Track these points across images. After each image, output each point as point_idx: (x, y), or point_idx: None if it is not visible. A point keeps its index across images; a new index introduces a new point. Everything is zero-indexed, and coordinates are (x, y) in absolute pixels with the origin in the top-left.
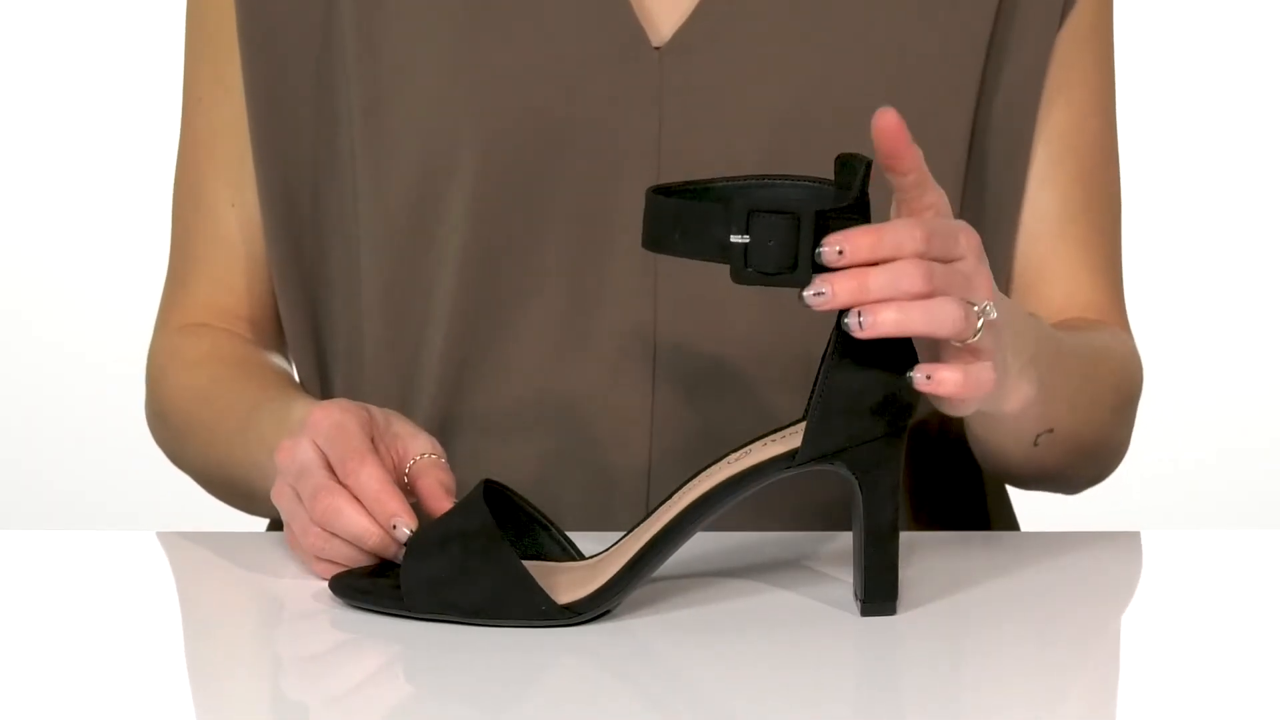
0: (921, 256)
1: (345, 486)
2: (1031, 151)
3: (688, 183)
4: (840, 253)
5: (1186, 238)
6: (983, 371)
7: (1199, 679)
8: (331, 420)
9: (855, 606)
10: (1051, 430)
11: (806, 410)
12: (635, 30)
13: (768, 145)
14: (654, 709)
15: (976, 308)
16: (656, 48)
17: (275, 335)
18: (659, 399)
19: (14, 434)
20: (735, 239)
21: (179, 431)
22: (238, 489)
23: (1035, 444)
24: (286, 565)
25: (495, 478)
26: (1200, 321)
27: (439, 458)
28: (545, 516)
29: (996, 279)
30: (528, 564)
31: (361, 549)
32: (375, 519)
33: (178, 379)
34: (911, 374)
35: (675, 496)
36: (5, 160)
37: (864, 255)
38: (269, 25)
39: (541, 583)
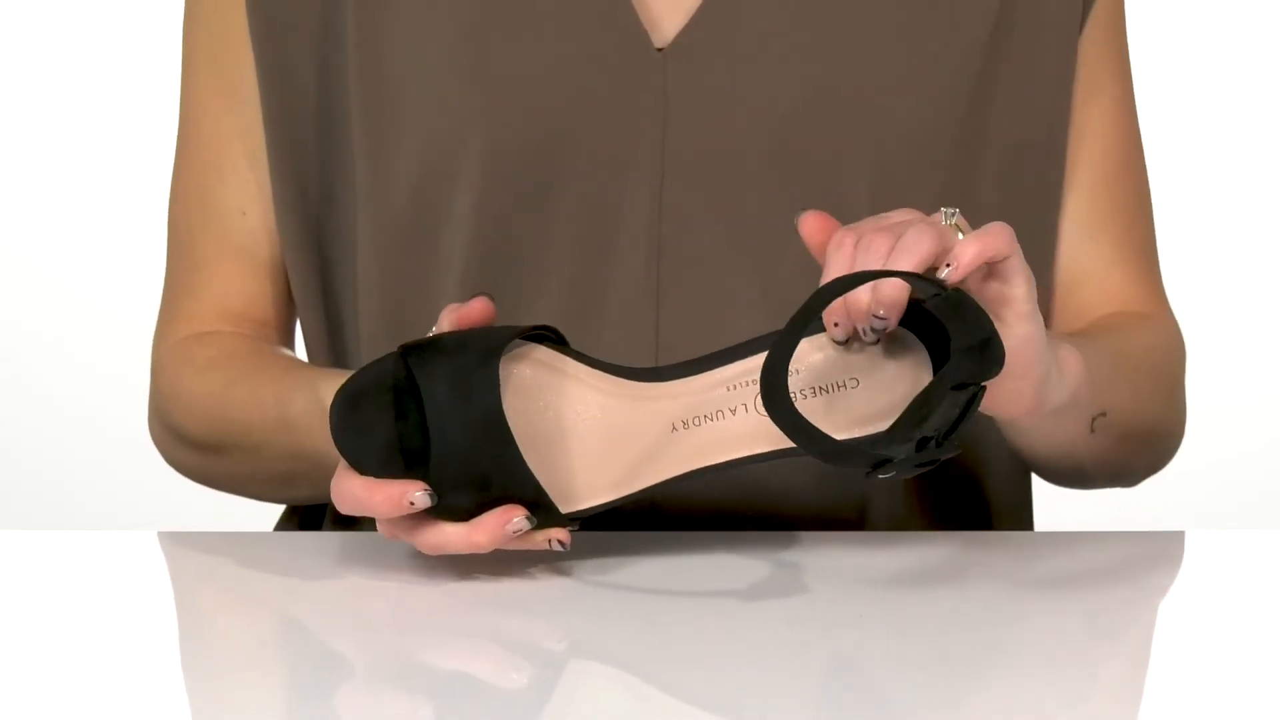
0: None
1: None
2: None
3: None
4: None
5: (1214, 232)
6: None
7: (1214, 682)
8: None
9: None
10: (1105, 414)
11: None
12: (638, 32)
13: (771, 145)
14: (654, 708)
15: (937, 215)
16: (659, 49)
17: (286, 339)
18: None
19: (14, 434)
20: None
21: (205, 445)
22: (295, 482)
23: (1092, 430)
24: (288, 566)
25: None
26: (1218, 321)
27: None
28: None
29: (1038, 289)
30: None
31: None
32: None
33: (192, 386)
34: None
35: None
36: (5, 160)
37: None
38: (278, 26)
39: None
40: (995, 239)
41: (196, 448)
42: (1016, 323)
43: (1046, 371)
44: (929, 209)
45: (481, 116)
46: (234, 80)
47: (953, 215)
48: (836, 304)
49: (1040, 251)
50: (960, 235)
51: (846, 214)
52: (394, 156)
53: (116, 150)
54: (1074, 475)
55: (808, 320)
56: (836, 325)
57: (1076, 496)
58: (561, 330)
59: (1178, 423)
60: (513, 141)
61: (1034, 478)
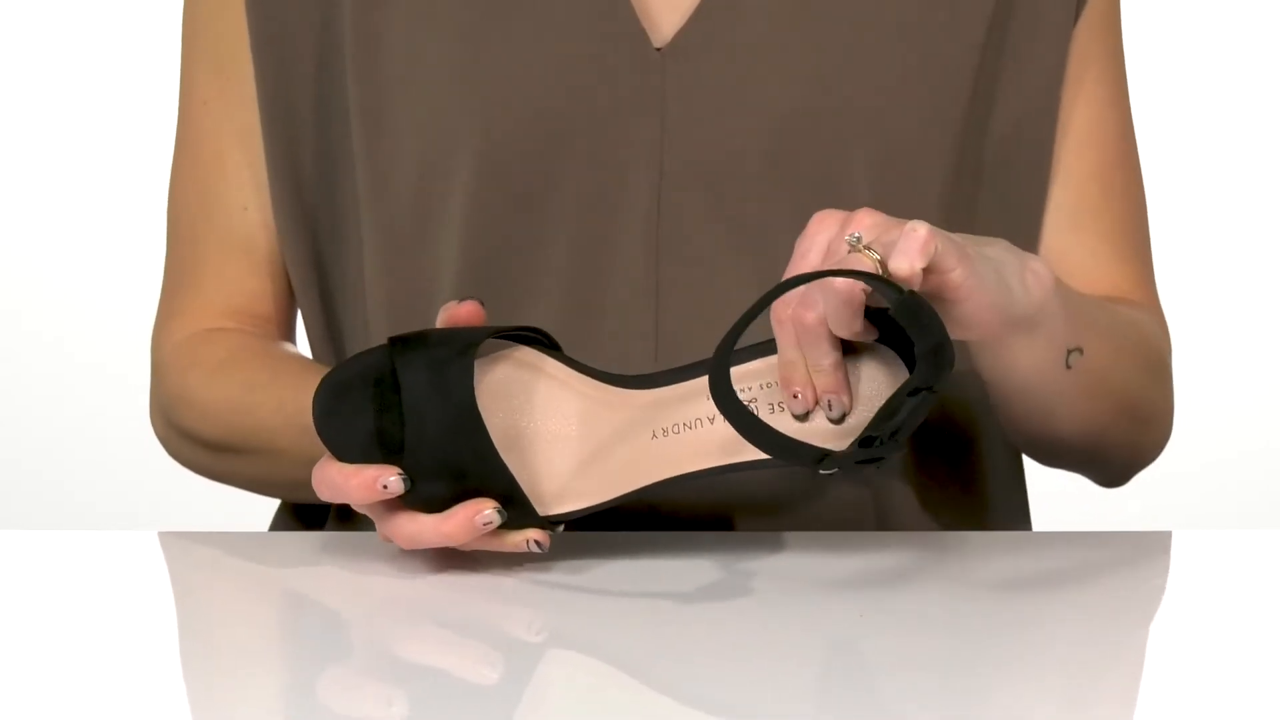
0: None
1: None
2: (1054, 150)
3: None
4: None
5: (1208, 234)
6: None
7: (1205, 679)
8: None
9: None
10: (1081, 351)
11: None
12: (636, 31)
13: (770, 145)
14: (652, 708)
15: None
16: (658, 49)
17: (288, 334)
18: None
19: (14, 434)
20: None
21: (221, 447)
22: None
23: (1068, 365)
24: (289, 565)
25: None
26: (1213, 322)
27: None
28: (524, 331)
29: None
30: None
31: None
32: (372, 492)
33: (207, 390)
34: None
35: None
36: (5, 160)
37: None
38: (278, 28)
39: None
40: (917, 243)
41: (211, 449)
42: (962, 299)
43: (997, 282)
44: (929, 207)
45: (480, 117)
46: (234, 80)
47: (857, 238)
48: (800, 378)
49: (1036, 246)
50: (872, 254)
51: None
52: (393, 157)
53: (116, 150)
54: (1050, 436)
55: (757, 311)
56: (796, 397)
57: (1072, 497)
58: (560, 331)
59: (1163, 402)
60: (511, 142)
61: (1029, 479)
